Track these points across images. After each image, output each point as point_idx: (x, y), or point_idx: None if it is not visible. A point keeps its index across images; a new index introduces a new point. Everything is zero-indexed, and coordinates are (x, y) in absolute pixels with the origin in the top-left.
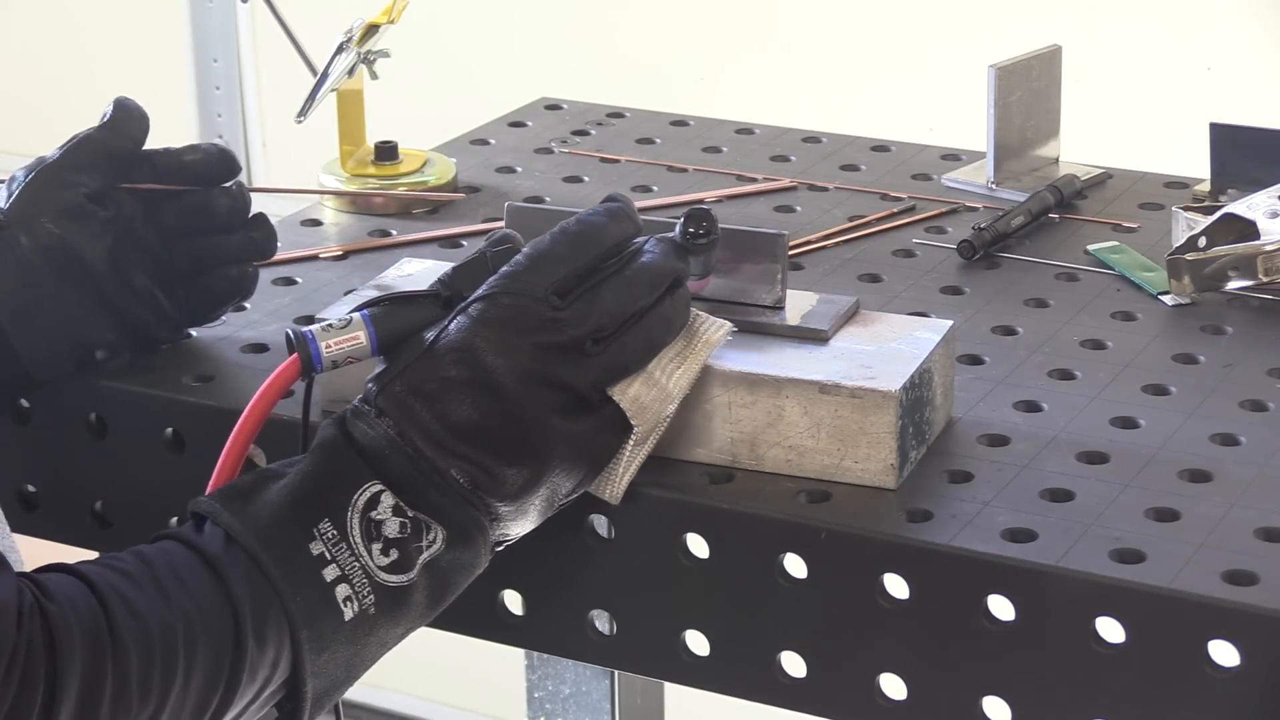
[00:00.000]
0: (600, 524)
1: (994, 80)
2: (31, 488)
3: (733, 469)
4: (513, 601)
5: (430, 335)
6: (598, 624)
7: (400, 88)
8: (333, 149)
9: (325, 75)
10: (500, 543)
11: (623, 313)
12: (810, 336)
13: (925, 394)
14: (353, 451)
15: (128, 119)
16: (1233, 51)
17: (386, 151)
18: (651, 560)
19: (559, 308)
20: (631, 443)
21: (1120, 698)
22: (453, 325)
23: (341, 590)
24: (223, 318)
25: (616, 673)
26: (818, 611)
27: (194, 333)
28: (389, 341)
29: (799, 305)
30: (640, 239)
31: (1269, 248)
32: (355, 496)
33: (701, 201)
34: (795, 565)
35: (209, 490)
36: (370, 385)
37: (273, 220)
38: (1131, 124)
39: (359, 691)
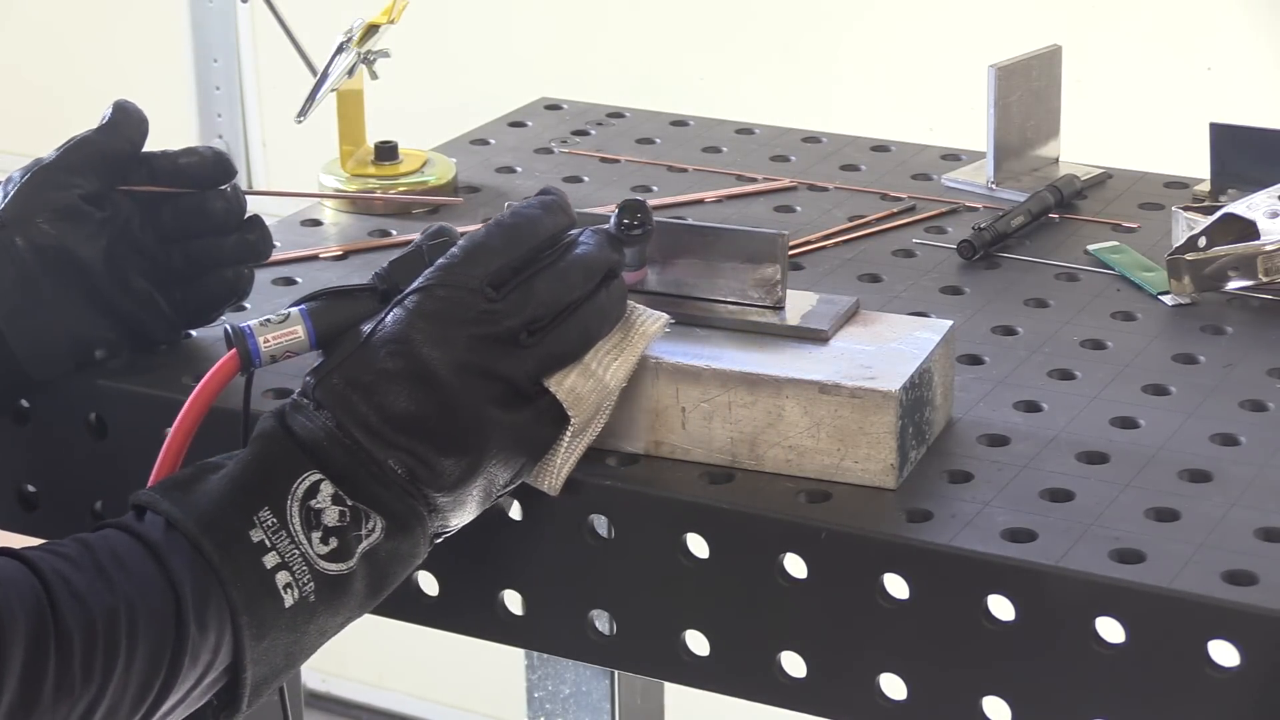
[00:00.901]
0: (600, 524)
1: (994, 80)
2: (31, 488)
3: (733, 469)
4: (513, 601)
5: (367, 328)
6: (598, 624)
7: (400, 88)
8: (333, 149)
9: (325, 75)
10: (439, 534)
11: (557, 304)
12: (810, 336)
13: (925, 394)
14: (291, 442)
15: (126, 121)
16: (1233, 51)
17: (386, 151)
18: (651, 560)
19: (494, 299)
20: (569, 434)
21: (1120, 698)
22: (389, 318)
23: (282, 577)
24: (221, 317)
25: (616, 673)
26: (818, 611)
27: (193, 333)
28: (327, 335)
29: (799, 305)
30: (575, 231)
31: (1269, 248)
32: (295, 485)
33: (701, 201)
34: (795, 565)
35: (149, 485)
36: (308, 378)
37: (273, 220)
38: (1131, 124)
39: (359, 691)
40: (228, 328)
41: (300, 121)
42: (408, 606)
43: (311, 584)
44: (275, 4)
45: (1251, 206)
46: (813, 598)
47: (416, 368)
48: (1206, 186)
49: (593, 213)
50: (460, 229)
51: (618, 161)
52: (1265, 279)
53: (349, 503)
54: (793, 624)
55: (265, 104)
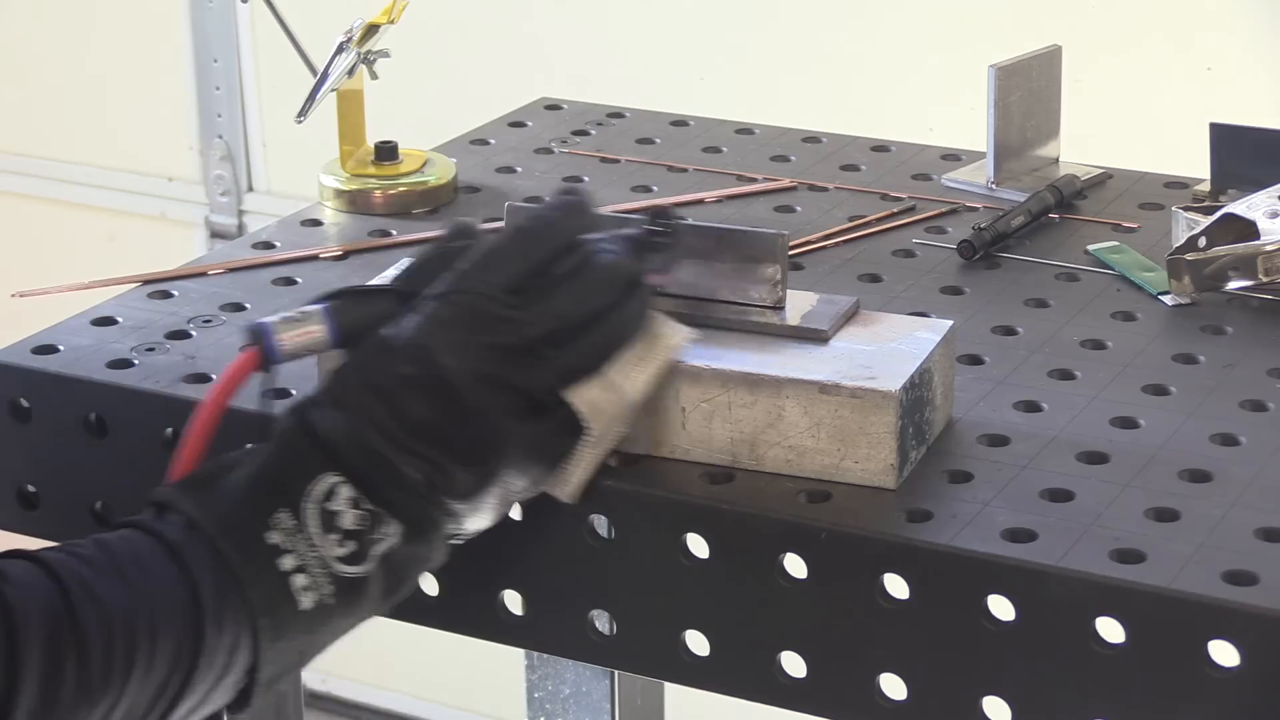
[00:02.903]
0: (600, 524)
1: (994, 80)
2: (31, 487)
3: (733, 469)
4: (513, 601)
5: (387, 331)
6: (598, 624)
7: (400, 88)
8: (333, 149)
9: (325, 75)
10: (456, 536)
11: (579, 315)
12: (810, 336)
13: (925, 394)
14: (310, 442)
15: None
16: (1233, 51)
17: (386, 151)
18: (651, 560)
19: (513, 305)
20: (587, 444)
21: (1120, 698)
22: (408, 323)
23: (299, 580)
24: (223, 317)
25: (616, 673)
26: (818, 611)
27: (194, 332)
28: (347, 334)
29: (799, 305)
30: (600, 235)
31: (1269, 248)
32: (312, 486)
33: (701, 201)
34: (795, 565)
35: (169, 481)
36: (327, 378)
37: (273, 220)
38: (1131, 124)
39: (359, 691)
40: (248, 324)
41: (300, 121)
42: (408, 606)
43: (330, 586)
44: (275, 4)
45: (1251, 206)
46: (813, 598)
47: (433, 376)
48: (1206, 186)
49: (619, 217)
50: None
51: (618, 161)
52: (1265, 279)
53: (366, 506)
54: (793, 624)
55: (265, 104)
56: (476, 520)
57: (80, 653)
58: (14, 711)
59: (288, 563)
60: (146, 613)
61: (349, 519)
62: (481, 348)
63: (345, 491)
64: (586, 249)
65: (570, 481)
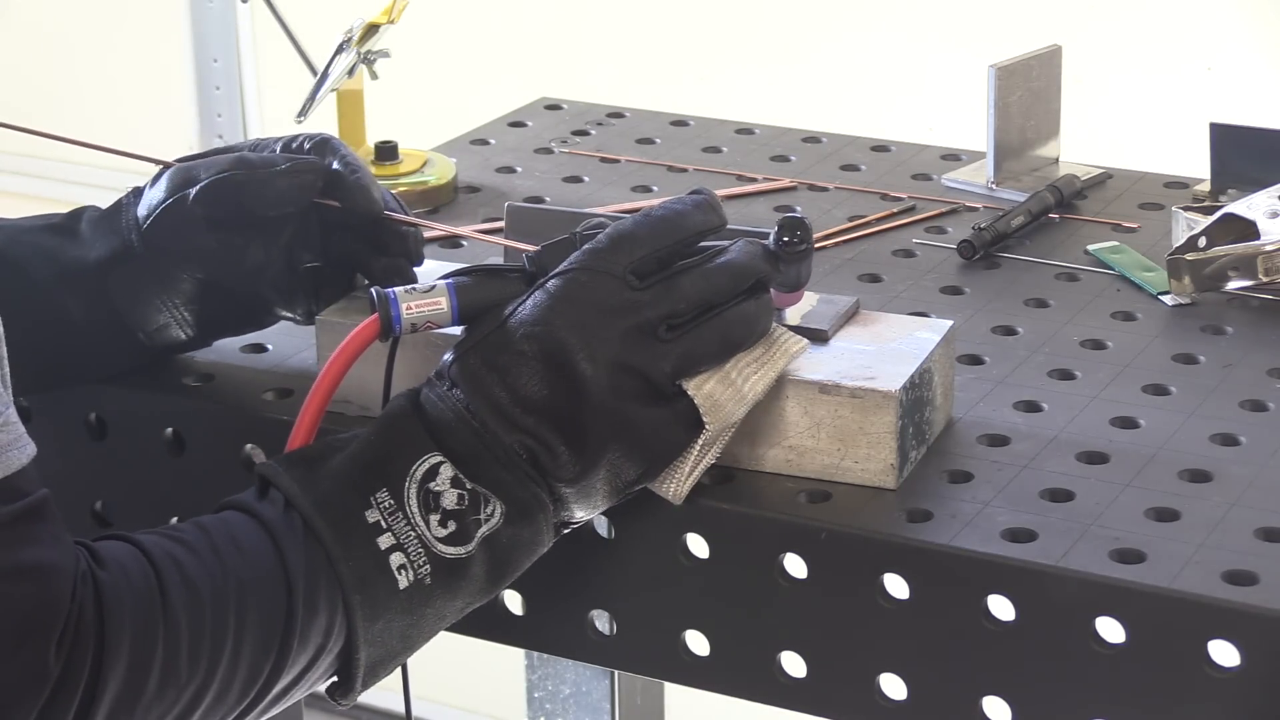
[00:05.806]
0: (600, 524)
1: (994, 80)
2: None
3: (733, 469)
4: (513, 601)
5: (508, 308)
6: (598, 624)
7: (400, 88)
8: None
9: (325, 75)
10: (566, 524)
11: (700, 302)
12: (810, 336)
13: (925, 394)
14: (418, 422)
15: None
16: (1233, 51)
17: (386, 151)
18: (651, 560)
19: (636, 287)
20: (701, 442)
21: (1120, 698)
22: (530, 300)
23: (396, 558)
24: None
25: (616, 673)
26: (818, 611)
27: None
28: (470, 312)
29: (799, 305)
30: (730, 241)
31: (1269, 248)
32: (414, 467)
33: None
34: (795, 565)
35: (286, 451)
36: (446, 356)
37: None
38: (1131, 124)
39: None
40: (374, 291)
41: (300, 121)
42: None
43: (427, 566)
44: (275, 4)
45: (1251, 206)
46: (813, 598)
47: (552, 351)
48: (1206, 186)
49: (752, 229)
50: (458, 230)
51: (618, 161)
52: (1265, 279)
53: (468, 486)
54: (793, 624)
55: (265, 104)
56: (585, 507)
57: (169, 637)
58: (100, 697)
59: (384, 541)
60: (238, 596)
61: (450, 499)
62: (600, 326)
63: (447, 471)
64: (715, 248)
65: (680, 480)
